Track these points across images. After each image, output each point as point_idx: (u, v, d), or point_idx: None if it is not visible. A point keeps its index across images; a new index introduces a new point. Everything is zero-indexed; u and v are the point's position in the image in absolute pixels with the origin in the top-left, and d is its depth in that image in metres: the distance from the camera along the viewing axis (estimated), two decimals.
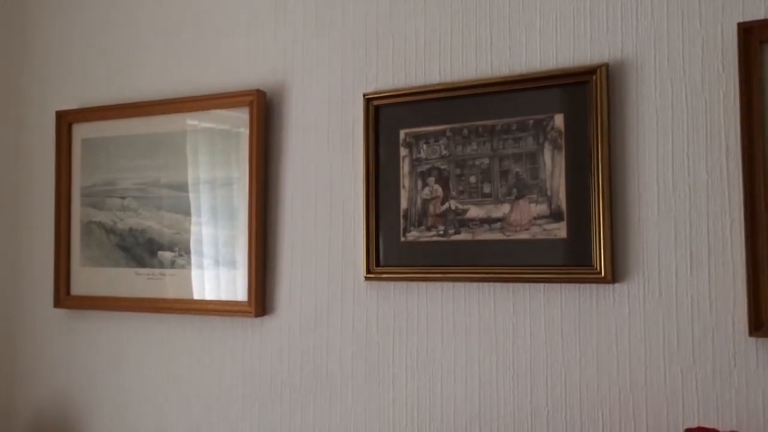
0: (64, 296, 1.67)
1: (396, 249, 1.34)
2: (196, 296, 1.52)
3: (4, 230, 1.78)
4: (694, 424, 1.09)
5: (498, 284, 1.25)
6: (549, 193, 1.21)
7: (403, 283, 1.34)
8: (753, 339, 1.07)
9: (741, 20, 1.10)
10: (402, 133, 1.34)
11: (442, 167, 1.30)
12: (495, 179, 1.26)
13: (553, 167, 1.21)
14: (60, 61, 1.78)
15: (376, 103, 1.36)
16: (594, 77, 1.17)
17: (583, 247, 1.18)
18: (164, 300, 1.55)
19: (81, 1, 1.76)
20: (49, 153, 1.74)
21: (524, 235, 1.23)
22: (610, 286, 1.17)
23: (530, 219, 1.23)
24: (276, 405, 1.44)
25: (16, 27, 1.84)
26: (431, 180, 1.31)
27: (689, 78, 1.14)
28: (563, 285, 1.20)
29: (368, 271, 1.34)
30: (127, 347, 1.62)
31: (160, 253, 1.56)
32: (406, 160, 1.34)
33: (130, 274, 1.60)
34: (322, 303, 1.41)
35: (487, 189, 1.27)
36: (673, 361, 1.12)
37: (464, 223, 1.28)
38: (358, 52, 1.41)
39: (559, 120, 1.21)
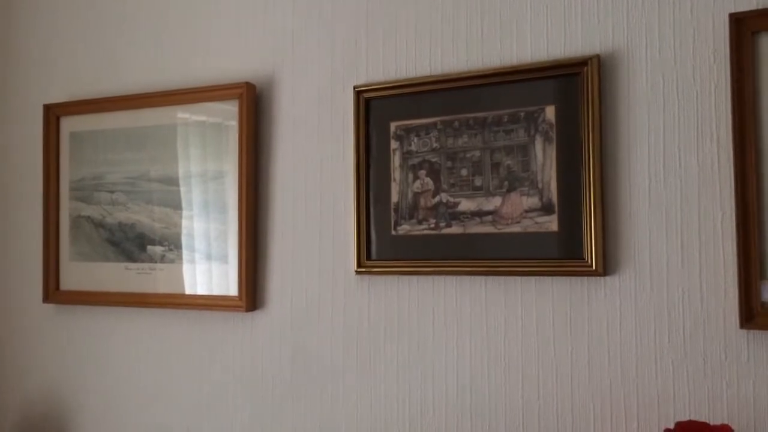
0: (53, 291, 1.66)
1: (387, 242, 1.33)
2: (187, 291, 1.50)
3: None
4: (685, 417, 1.09)
5: (489, 277, 1.25)
6: (540, 185, 1.21)
7: (394, 277, 1.33)
8: (744, 331, 1.07)
9: (733, 10, 1.09)
10: (393, 125, 1.33)
11: (433, 160, 1.29)
12: (486, 172, 1.25)
13: (545, 160, 1.21)
14: (48, 54, 1.76)
15: (366, 95, 1.35)
16: (585, 69, 1.16)
17: (574, 240, 1.17)
18: (154, 295, 1.53)
19: None
20: (36, 147, 1.72)
21: (515, 228, 1.22)
22: (602, 279, 1.16)
23: (521, 212, 1.22)
24: (267, 399, 1.44)
25: (1, 18, 1.82)
26: (422, 173, 1.30)
27: (680, 69, 1.13)
28: (554, 278, 1.20)
29: (359, 264, 1.34)
30: (117, 342, 1.61)
31: (150, 247, 1.55)
32: (397, 153, 1.33)
33: (119, 269, 1.59)
34: (313, 297, 1.40)
35: (478, 182, 1.26)
36: (664, 353, 1.12)
37: (455, 216, 1.27)
38: (348, 45, 1.40)
39: (550, 112, 1.21)
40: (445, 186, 1.28)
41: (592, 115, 1.15)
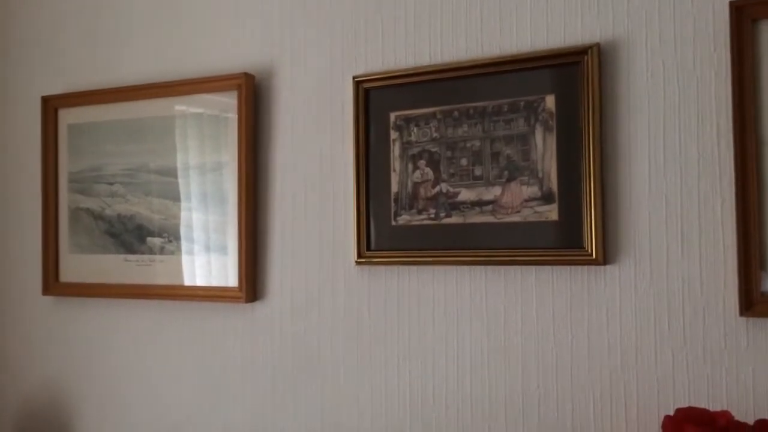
0: (52, 283, 1.66)
1: (387, 233, 1.33)
2: (187, 282, 1.50)
3: None
4: (685, 404, 1.09)
5: (489, 267, 1.25)
6: (540, 175, 1.21)
7: (394, 267, 1.33)
8: (743, 319, 1.07)
9: None
10: (392, 115, 1.33)
11: (433, 150, 1.29)
12: (486, 161, 1.25)
13: (545, 149, 1.21)
14: (45, 45, 1.75)
15: (365, 85, 1.35)
16: (585, 58, 1.16)
17: (574, 229, 1.18)
18: (154, 286, 1.53)
19: None
20: (35, 139, 1.72)
21: (515, 218, 1.22)
22: (602, 267, 1.17)
23: (521, 201, 1.22)
24: (267, 390, 1.44)
25: None
26: (422, 163, 1.30)
27: (680, 57, 1.13)
28: (555, 267, 1.20)
29: (359, 255, 1.34)
30: (116, 334, 1.61)
31: (149, 239, 1.55)
32: (397, 143, 1.32)
33: (119, 261, 1.58)
34: (314, 288, 1.40)
35: (478, 171, 1.26)
36: (664, 342, 1.12)
37: (455, 206, 1.27)
38: (347, 34, 1.39)
39: (550, 101, 1.20)
40: (444, 176, 1.28)
41: (592, 103, 1.15)
